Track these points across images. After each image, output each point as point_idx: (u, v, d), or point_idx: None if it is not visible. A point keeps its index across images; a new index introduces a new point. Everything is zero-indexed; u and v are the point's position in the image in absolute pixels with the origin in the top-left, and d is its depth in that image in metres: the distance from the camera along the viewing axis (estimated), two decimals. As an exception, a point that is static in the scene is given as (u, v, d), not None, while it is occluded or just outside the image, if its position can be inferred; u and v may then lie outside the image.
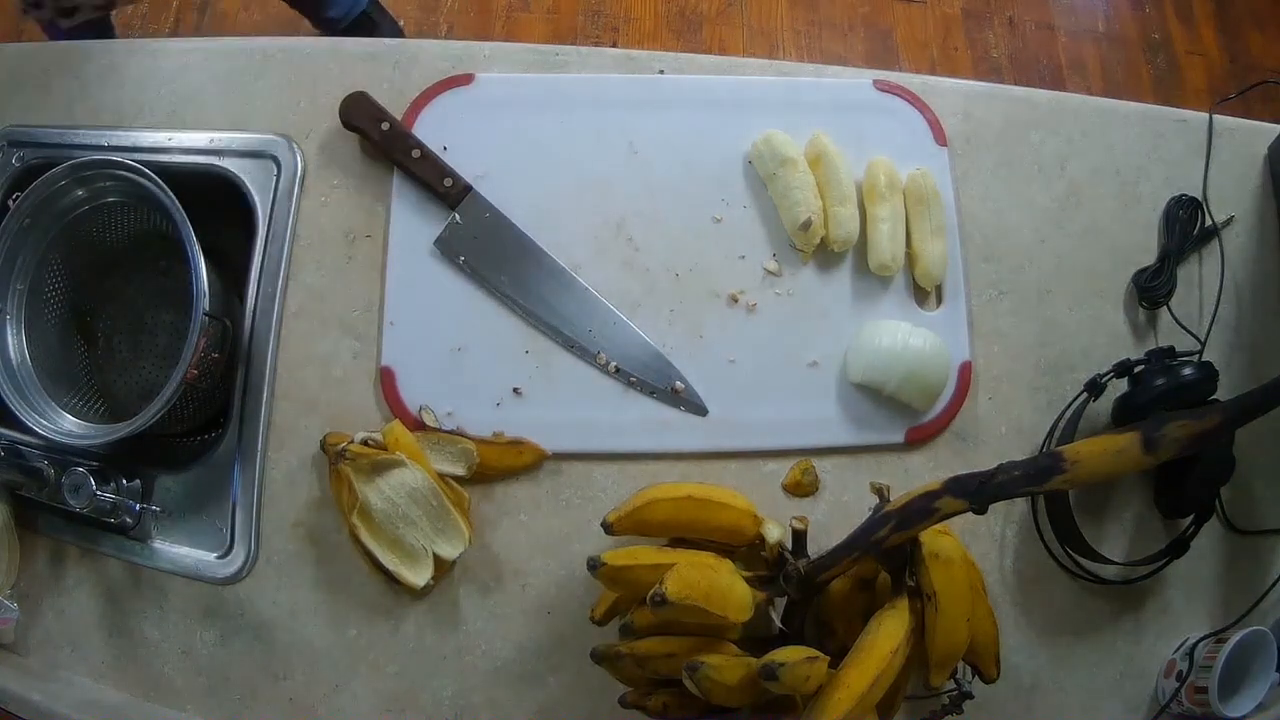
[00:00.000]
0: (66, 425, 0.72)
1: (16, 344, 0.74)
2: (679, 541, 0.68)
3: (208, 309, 0.67)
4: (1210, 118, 0.87)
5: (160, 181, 0.70)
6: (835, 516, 0.75)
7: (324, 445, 0.70)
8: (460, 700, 0.70)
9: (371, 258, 0.77)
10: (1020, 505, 0.77)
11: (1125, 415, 0.76)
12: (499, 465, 0.73)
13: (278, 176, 0.79)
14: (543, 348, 0.76)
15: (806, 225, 0.77)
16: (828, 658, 0.59)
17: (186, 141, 0.80)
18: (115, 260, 0.84)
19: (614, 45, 1.80)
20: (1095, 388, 0.76)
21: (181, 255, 0.68)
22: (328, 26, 1.52)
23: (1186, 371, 0.73)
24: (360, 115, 0.78)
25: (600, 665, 0.65)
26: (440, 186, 0.77)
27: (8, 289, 0.74)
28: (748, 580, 0.64)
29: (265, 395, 0.74)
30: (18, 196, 0.73)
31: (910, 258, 0.79)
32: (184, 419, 0.77)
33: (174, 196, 0.69)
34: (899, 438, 0.76)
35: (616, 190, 0.80)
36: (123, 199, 0.76)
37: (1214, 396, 0.74)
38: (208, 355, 0.69)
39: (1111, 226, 0.84)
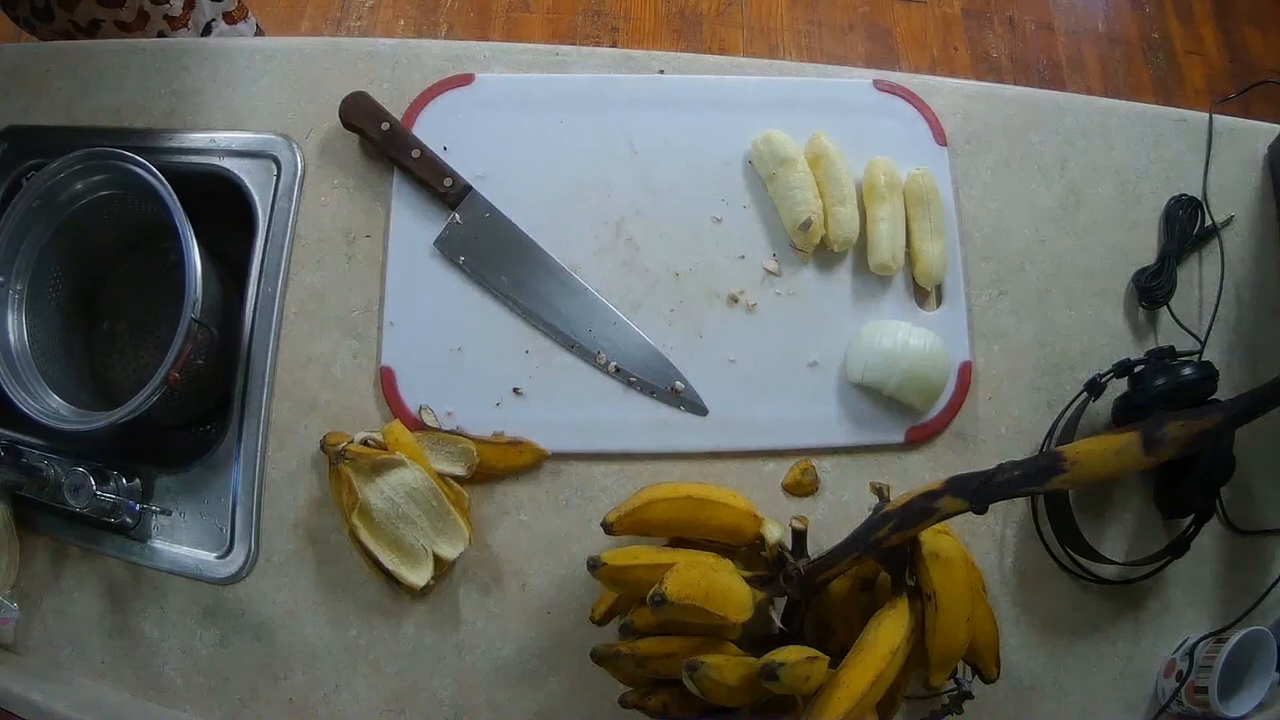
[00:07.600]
0: (53, 405, 0.71)
1: (16, 323, 0.73)
2: (679, 541, 0.68)
3: (196, 314, 0.67)
4: (1210, 118, 0.87)
5: (167, 185, 0.69)
6: (835, 516, 0.75)
7: (324, 445, 0.70)
8: (460, 700, 0.70)
9: (371, 258, 0.77)
10: (1020, 505, 0.77)
11: (1125, 415, 0.76)
12: (499, 465, 0.73)
13: (278, 176, 0.79)
14: (543, 348, 0.76)
15: (806, 225, 0.77)
16: (828, 658, 0.59)
17: (186, 141, 0.80)
18: (124, 249, 0.84)
19: (614, 45, 1.80)
20: (1095, 388, 0.76)
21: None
22: None
23: (1186, 371, 0.73)
24: (360, 115, 0.78)
25: (600, 665, 0.65)
26: (440, 186, 0.77)
27: (12, 268, 0.73)
28: (748, 580, 0.64)
29: (265, 395, 0.74)
30: (31, 175, 0.72)
31: (910, 258, 0.79)
32: (176, 411, 0.76)
33: (179, 204, 0.69)
34: (899, 438, 0.76)
35: (616, 190, 0.80)
36: (126, 192, 0.76)
37: (1214, 396, 0.74)
38: (192, 362, 0.68)
39: (1111, 226, 0.84)
